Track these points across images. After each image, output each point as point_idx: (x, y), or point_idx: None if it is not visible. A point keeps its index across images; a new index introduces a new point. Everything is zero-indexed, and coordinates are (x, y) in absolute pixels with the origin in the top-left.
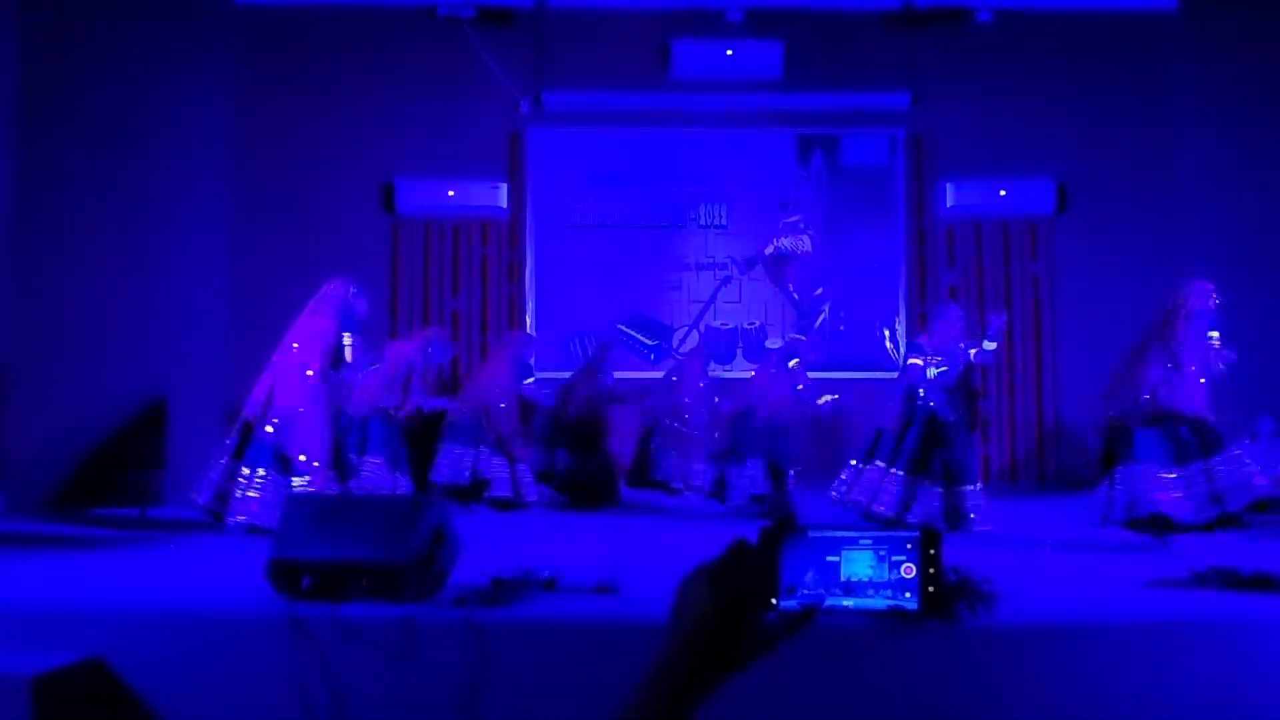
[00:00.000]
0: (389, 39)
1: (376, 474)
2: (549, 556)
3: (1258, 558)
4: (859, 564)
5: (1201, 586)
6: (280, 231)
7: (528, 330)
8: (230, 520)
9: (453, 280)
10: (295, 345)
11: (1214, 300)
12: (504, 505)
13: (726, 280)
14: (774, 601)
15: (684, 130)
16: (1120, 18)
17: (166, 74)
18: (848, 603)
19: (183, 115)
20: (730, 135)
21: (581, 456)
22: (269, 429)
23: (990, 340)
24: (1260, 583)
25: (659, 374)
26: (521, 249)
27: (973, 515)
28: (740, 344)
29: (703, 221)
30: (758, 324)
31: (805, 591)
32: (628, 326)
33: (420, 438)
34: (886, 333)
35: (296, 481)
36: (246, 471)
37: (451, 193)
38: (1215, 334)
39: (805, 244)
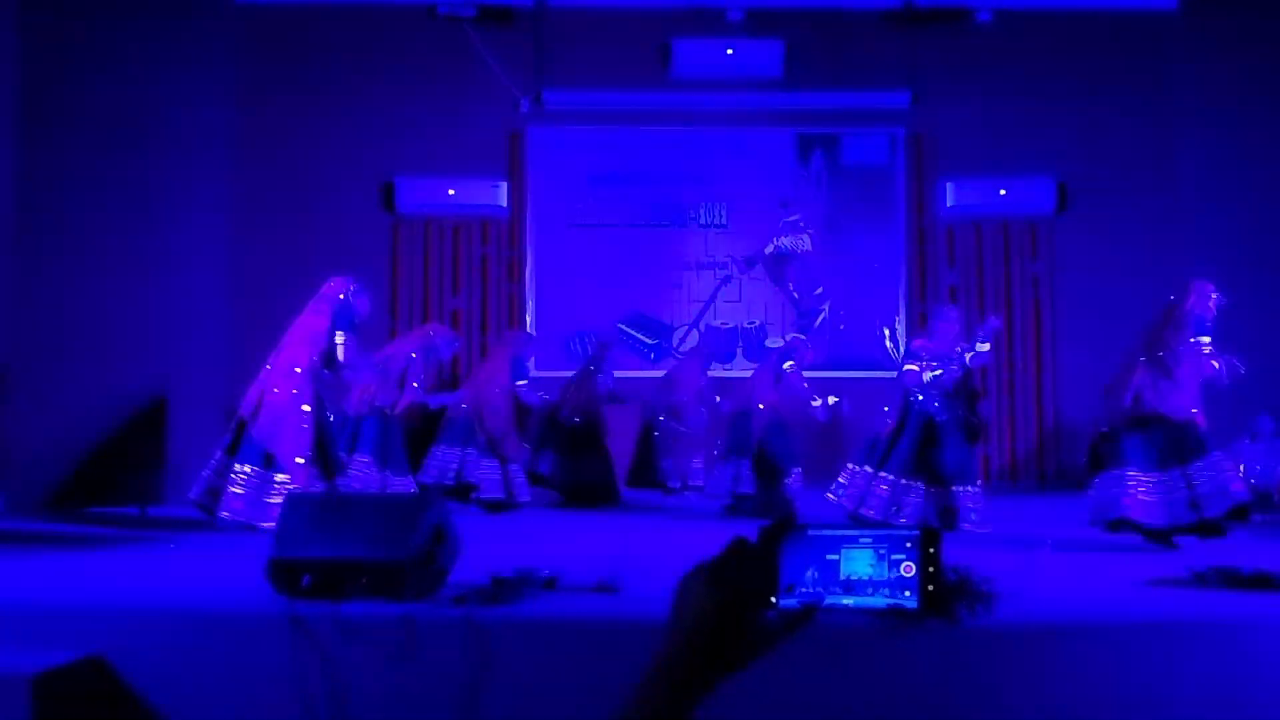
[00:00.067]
0: (389, 38)
1: (364, 472)
2: (549, 556)
3: (1258, 558)
4: (859, 563)
5: (1201, 586)
6: (280, 231)
7: (528, 329)
8: (219, 515)
9: (453, 279)
10: (291, 343)
11: (1214, 300)
12: (495, 506)
13: (726, 279)
14: (773, 600)
15: (684, 129)
16: (1120, 18)
17: (166, 73)
18: (847, 601)
19: (183, 114)
20: (730, 134)
21: (580, 456)
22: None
23: (983, 342)
24: (1260, 582)
25: (659, 373)
26: (521, 248)
27: (973, 515)
28: (740, 343)
29: (703, 221)
30: (758, 323)
31: (805, 590)
32: (628, 326)
33: (420, 436)
34: (886, 332)
35: (279, 478)
36: (238, 468)
37: (452, 192)
38: (1206, 339)
39: (805, 243)
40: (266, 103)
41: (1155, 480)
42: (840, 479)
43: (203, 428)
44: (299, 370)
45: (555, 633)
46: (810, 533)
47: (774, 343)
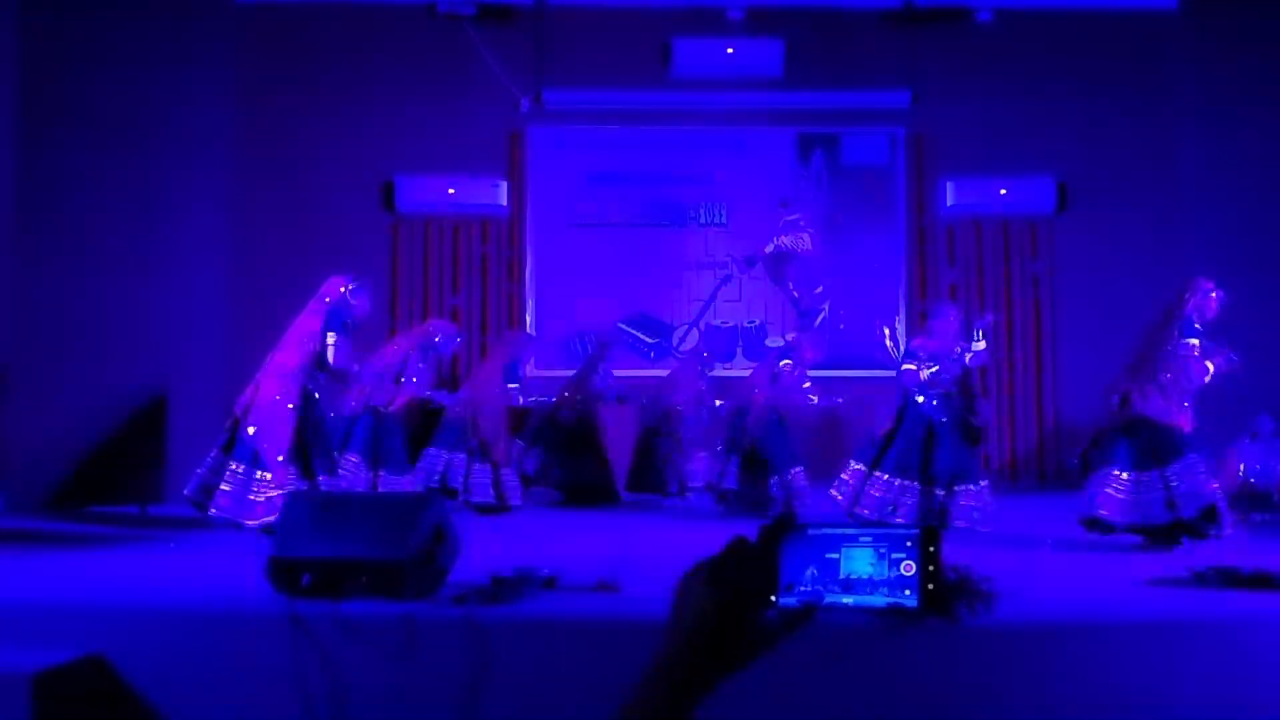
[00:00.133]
0: (389, 37)
1: (352, 471)
2: (548, 555)
3: (1258, 557)
4: (859, 561)
5: (1201, 586)
6: (280, 230)
7: (527, 329)
8: (209, 512)
9: (452, 278)
10: (286, 343)
11: (1215, 298)
12: (486, 510)
13: (726, 279)
14: (773, 599)
15: (684, 129)
16: (1120, 18)
17: (167, 72)
18: (847, 600)
19: (183, 114)
20: (730, 134)
21: (579, 456)
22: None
23: (979, 340)
24: (1260, 582)
25: (660, 373)
26: (521, 247)
27: (976, 513)
28: (740, 342)
29: (703, 220)
30: (758, 322)
31: (804, 589)
32: (628, 325)
33: (420, 436)
34: (887, 331)
35: (263, 477)
36: (232, 466)
37: (451, 191)
38: (1195, 341)
39: (805, 242)
40: (266, 102)
41: (1132, 480)
42: (843, 476)
43: (202, 427)
44: (289, 370)
45: (555, 632)
46: (810, 531)
47: (774, 342)
